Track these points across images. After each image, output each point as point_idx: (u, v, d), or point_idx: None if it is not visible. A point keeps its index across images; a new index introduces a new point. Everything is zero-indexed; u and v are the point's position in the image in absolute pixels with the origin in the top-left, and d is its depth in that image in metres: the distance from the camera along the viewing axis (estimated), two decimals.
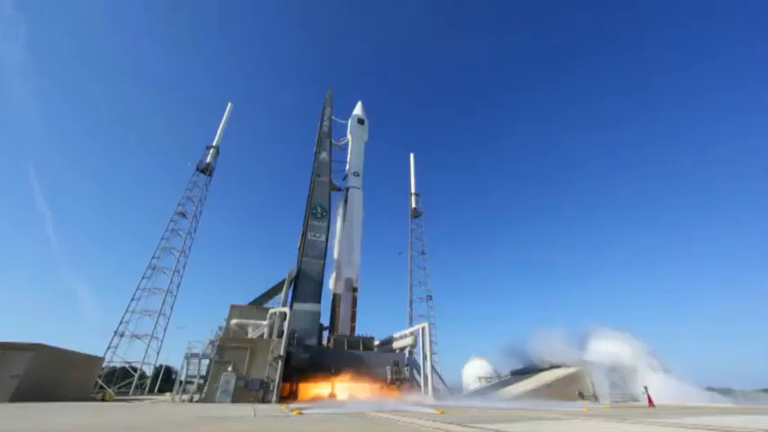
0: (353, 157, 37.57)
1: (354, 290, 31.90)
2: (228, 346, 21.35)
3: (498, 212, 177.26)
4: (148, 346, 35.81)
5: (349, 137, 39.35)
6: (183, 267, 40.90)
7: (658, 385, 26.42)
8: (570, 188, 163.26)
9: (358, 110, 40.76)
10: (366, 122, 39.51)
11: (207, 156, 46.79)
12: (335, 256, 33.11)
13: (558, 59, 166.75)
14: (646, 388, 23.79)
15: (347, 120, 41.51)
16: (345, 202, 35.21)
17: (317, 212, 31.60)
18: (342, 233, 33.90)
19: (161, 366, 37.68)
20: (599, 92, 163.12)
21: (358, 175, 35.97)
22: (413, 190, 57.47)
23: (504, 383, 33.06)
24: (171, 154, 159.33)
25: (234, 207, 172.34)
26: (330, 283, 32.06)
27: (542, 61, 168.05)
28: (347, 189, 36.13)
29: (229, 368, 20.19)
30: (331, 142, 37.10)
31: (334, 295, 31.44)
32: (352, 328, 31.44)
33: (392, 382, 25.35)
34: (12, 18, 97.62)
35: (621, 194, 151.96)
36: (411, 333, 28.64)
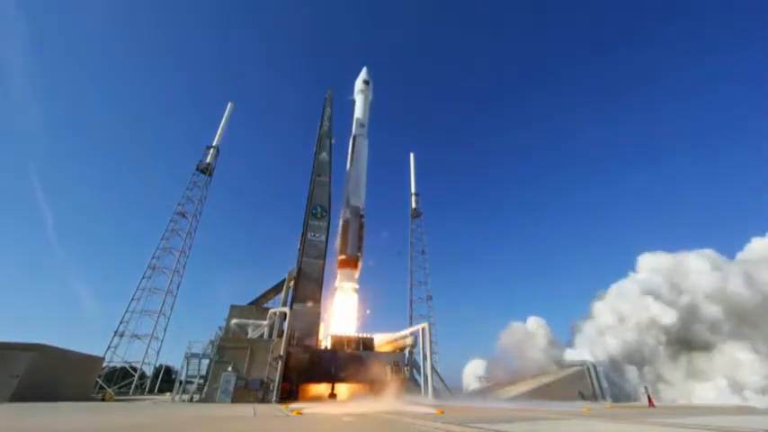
0: (360, 112, 42.26)
1: (361, 216, 35.57)
2: (228, 347, 21.37)
3: (499, 212, 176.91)
4: (148, 346, 35.84)
5: (355, 96, 43.94)
6: (183, 267, 40.94)
7: None
8: (572, 187, 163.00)
9: (363, 73, 45.09)
10: (371, 83, 44.36)
11: (207, 156, 46.85)
12: (345, 188, 37.83)
13: (561, 59, 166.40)
14: (646, 388, 23.84)
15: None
16: (353, 147, 39.75)
17: (317, 212, 31.61)
18: (350, 171, 38.46)
19: (161, 366, 37.72)
20: (603, 91, 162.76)
21: (363, 126, 41.21)
22: (413, 190, 57.62)
23: (504, 383, 33.01)
24: (171, 154, 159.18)
25: (234, 207, 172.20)
26: (340, 213, 35.98)
27: (545, 61, 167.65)
28: (354, 137, 40.43)
29: (229, 368, 20.20)
30: (331, 142, 37.42)
31: (344, 220, 34.82)
32: (359, 247, 33.78)
33: (392, 382, 25.34)
34: (14, 17, 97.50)
35: (625, 193, 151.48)
36: (411, 333, 28.67)
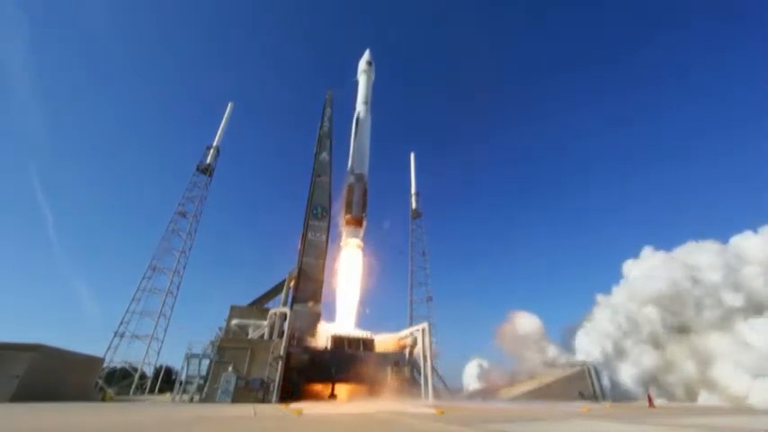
0: (363, 91, 43.92)
1: (365, 182, 37.25)
2: (229, 347, 21.35)
3: (500, 212, 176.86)
4: (149, 346, 35.84)
5: (359, 77, 45.39)
6: (184, 268, 40.93)
7: None
8: (572, 187, 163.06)
9: (367, 54, 46.73)
10: (373, 64, 46.01)
11: (207, 156, 46.85)
12: (350, 157, 39.70)
13: (561, 59, 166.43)
14: (647, 388, 23.81)
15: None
16: (357, 123, 41.47)
17: (318, 213, 31.66)
18: (354, 143, 40.11)
19: (161, 367, 37.69)
20: (604, 92, 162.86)
21: (366, 103, 43.14)
22: (413, 190, 57.53)
23: (504, 384, 32.97)
24: (171, 154, 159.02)
25: (234, 207, 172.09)
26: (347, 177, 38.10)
27: (545, 61, 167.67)
28: (358, 113, 42.20)
29: (229, 368, 20.19)
30: (331, 142, 37.62)
31: (349, 185, 36.54)
32: (363, 207, 35.20)
33: (392, 382, 25.32)
34: (14, 17, 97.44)
35: (627, 196, 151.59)
36: (411, 333, 28.66)
